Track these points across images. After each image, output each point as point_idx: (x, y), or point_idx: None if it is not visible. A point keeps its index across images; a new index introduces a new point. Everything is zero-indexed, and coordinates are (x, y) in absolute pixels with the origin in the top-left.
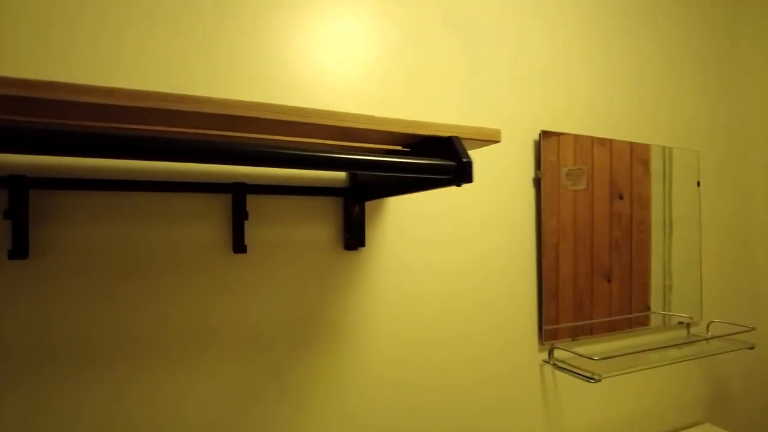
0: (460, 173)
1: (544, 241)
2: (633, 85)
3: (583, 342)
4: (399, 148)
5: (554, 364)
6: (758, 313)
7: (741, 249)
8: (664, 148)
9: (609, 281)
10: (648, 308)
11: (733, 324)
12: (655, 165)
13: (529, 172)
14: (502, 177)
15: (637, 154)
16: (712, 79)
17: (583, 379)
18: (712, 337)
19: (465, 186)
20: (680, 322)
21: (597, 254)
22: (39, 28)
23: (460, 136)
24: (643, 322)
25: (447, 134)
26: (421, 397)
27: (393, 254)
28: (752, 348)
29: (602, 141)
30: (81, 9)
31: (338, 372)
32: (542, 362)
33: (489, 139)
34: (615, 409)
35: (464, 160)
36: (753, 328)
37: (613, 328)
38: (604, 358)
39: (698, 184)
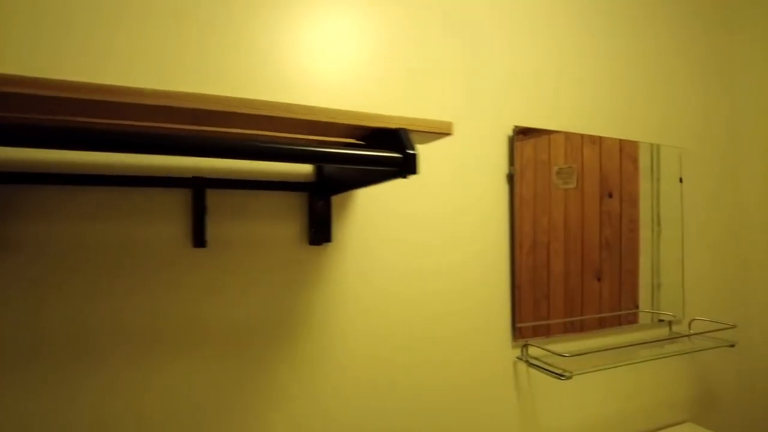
0: (405, 165)
1: (518, 238)
2: (614, 80)
3: (565, 339)
4: (357, 142)
5: (527, 361)
6: (741, 311)
7: (725, 246)
8: (652, 145)
9: (599, 280)
10: (637, 307)
11: (714, 321)
12: (644, 162)
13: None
14: (476, 173)
15: (627, 152)
16: (697, 74)
17: (553, 376)
18: (693, 334)
19: (437, 182)
20: (661, 320)
21: (587, 253)
22: (28, 25)
23: (409, 128)
24: (631, 320)
25: (394, 126)
26: (393, 395)
27: (361, 250)
28: (732, 346)
29: (593, 139)
30: (72, 8)
31: (307, 370)
32: (516, 359)
33: (440, 131)
34: (595, 409)
35: (409, 151)
36: (734, 326)
37: (601, 326)
38: (574, 355)
39: (680, 180)
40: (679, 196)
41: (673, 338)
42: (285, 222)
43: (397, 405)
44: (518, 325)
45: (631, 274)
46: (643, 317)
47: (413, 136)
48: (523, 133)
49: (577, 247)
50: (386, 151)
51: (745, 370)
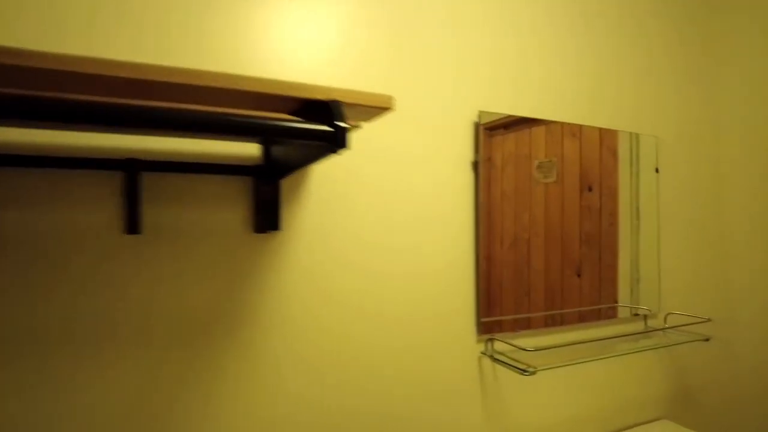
0: (335, 139)
1: (498, 233)
2: (586, 66)
3: (540, 334)
4: (291, 117)
5: (491, 356)
6: (716, 304)
7: (700, 238)
8: (630, 134)
9: (579, 276)
10: (616, 301)
11: (689, 315)
12: (623, 153)
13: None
14: (439, 161)
15: (607, 144)
16: (675, 61)
17: (516, 372)
18: (667, 328)
19: (398, 169)
20: (636, 314)
21: (567, 248)
22: None
23: (343, 100)
24: (610, 315)
25: (326, 98)
26: (349, 393)
27: (314, 239)
28: (707, 340)
29: (573, 132)
30: None
31: (250, 364)
32: (480, 354)
33: (379, 105)
34: (566, 406)
35: (339, 124)
36: (708, 320)
37: (579, 321)
38: (539, 349)
39: (657, 170)
40: (655, 187)
41: (647, 332)
42: (229, 208)
43: (354, 403)
44: (483, 319)
45: (610, 269)
46: (622, 312)
47: (353, 112)
48: (504, 127)
49: (557, 241)
50: (315, 123)
51: (720, 364)
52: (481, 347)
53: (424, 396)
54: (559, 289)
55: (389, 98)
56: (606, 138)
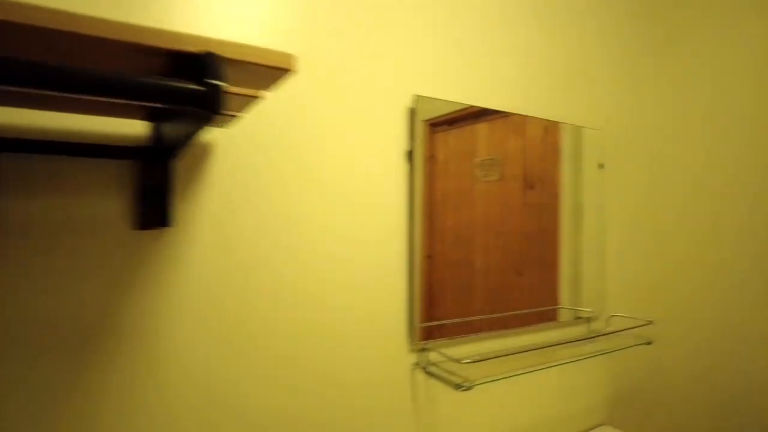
0: (205, 101)
1: (439, 232)
2: (529, 54)
3: (479, 339)
4: None
5: (425, 369)
6: (660, 306)
7: (644, 237)
8: (574, 128)
9: (520, 275)
10: (557, 303)
11: (632, 318)
12: (565, 148)
13: (404, 145)
14: (369, 150)
15: (550, 141)
16: (619, 52)
17: (451, 387)
18: (611, 333)
19: (322, 154)
20: (578, 317)
21: (509, 247)
22: None
23: (222, 54)
24: (551, 317)
25: (198, 50)
26: (256, 414)
27: (217, 235)
28: (649, 343)
29: (516, 129)
30: None
31: (128, 385)
32: (414, 366)
33: (275, 65)
34: (506, 419)
35: (211, 82)
36: (650, 322)
37: (520, 324)
38: (477, 361)
39: (601, 166)
40: (599, 183)
41: (591, 337)
42: (107, 199)
43: (263, 424)
44: (422, 324)
45: (551, 269)
46: (564, 314)
47: (245, 74)
48: (447, 123)
49: (500, 241)
50: (182, 81)
51: (663, 367)
52: (416, 357)
53: (348, 415)
54: (501, 290)
55: (288, 57)
56: (549, 135)
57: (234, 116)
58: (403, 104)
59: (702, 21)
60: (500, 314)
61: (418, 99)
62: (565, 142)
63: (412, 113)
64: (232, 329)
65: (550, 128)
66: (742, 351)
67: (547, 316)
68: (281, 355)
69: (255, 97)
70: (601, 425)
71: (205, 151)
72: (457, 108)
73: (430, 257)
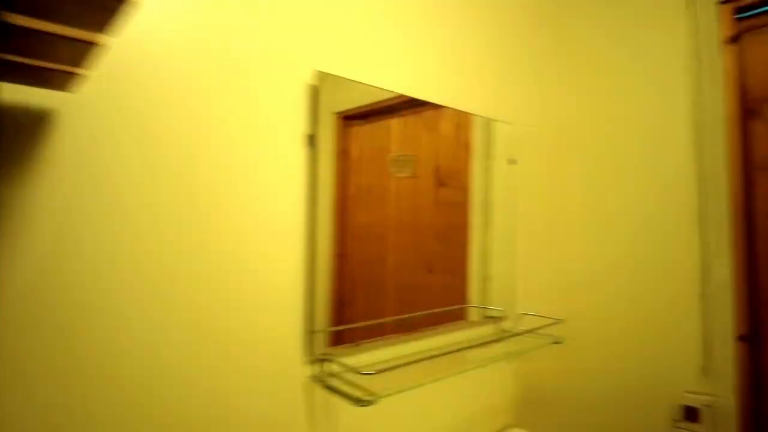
0: None
1: (350, 229)
2: (438, 38)
3: (388, 343)
4: None
5: (323, 382)
6: (569, 304)
7: (555, 233)
8: (486, 122)
9: (431, 272)
10: (467, 302)
11: (542, 316)
12: (477, 143)
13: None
14: (262, 129)
15: (462, 138)
16: (529, 43)
17: (351, 403)
18: (521, 332)
19: (201, 128)
20: (488, 317)
21: (421, 246)
22: None
23: None
24: (459, 316)
25: None
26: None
27: (57, 236)
28: (559, 343)
29: (428, 125)
30: None
31: None
32: (312, 378)
33: None
34: (417, 428)
35: None
36: (560, 321)
37: (429, 324)
38: (380, 371)
39: (512, 162)
40: (510, 179)
41: (501, 338)
42: None
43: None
44: (325, 330)
45: (461, 268)
46: (474, 313)
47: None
48: (361, 117)
49: (411, 239)
50: None
51: (571, 367)
52: (313, 369)
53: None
54: (412, 289)
55: None
56: (462, 130)
57: (71, 73)
58: (302, 80)
59: (586, 31)
60: (409, 315)
61: (321, 76)
62: (477, 137)
63: (315, 92)
64: (67, 352)
65: (463, 123)
66: (646, 350)
67: (456, 315)
68: (136, 381)
69: (92, 44)
70: (509, 427)
71: (41, 120)
72: (372, 101)
73: (341, 256)
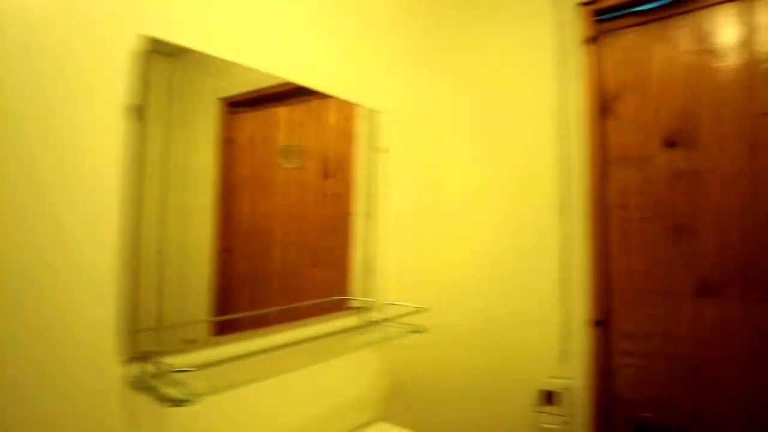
0: None
1: (235, 221)
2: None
3: (241, 338)
4: None
5: (142, 383)
6: (436, 293)
7: (427, 224)
8: (369, 111)
9: (315, 266)
10: (344, 293)
11: (405, 305)
12: (359, 134)
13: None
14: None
15: (346, 128)
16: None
17: (167, 405)
18: (380, 321)
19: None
20: (358, 307)
21: (306, 237)
22: None
23: None
24: (332, 309)
25: None
26: None
27: None
28: (421, 332)
29: (313, 115)
30: None
31: None
32: (132, 380)
33: None
34: (272, 426)
35: None
36: (423, 309)
37: (293, 318)
38: (202, 367)
39: (383, 150)
40: (383, 168)
41: (361, 327)
42: None
43: None
44: (136, 329)
45: (344, 260)
46: (345, 304)
47: None
48: (248, 104)
49: (297, 231)
50: None
51: (441, 358)
52: (134, 369)
53: None
54: (296, 281)
55: None
56: (347, 121)
57: None
58: (125, 48)
59: (456, 29)
60: (261, 311)
61: (153, 43)
62: (361, 127)
63: (147, 59)
64: None
65: (348, 114)
66: (512, 338)
67: (331, 307)
68: None
69: None
70: (375, 421)
71: None
72: (257, 87)
73: (226, 251)
